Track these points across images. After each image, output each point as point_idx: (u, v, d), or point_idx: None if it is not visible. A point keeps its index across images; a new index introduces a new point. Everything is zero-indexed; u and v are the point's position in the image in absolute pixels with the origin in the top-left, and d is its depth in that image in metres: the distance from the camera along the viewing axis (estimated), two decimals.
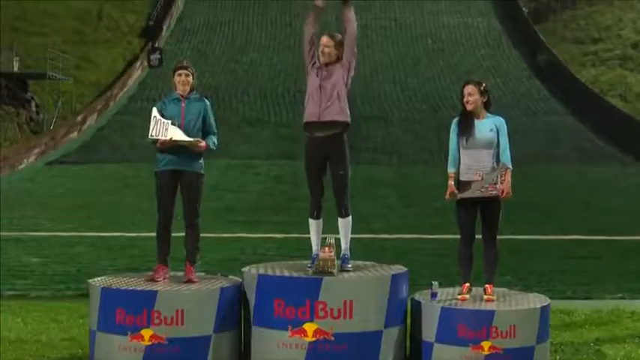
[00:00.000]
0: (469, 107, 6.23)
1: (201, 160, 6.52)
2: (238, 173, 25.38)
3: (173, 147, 6.36)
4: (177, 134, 6.33)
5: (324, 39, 6.48)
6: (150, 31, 43.30)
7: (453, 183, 6.23)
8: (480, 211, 6.26)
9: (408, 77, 40.18)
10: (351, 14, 6.56)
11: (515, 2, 47.73)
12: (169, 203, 6.44)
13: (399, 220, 17.75)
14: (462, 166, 6.26)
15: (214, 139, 6.52)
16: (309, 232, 6.54)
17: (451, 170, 6.25)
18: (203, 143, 6.39)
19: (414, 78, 40.03)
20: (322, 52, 6.44)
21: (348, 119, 6.44)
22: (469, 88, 6.26)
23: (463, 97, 6.27)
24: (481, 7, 48.64)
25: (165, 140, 6.27)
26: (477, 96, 6.23)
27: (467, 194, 6.16)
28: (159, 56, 40.30)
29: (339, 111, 6.37)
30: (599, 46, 42.34)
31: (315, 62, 6.47)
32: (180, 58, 40.53)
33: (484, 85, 6.34)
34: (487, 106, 6.32)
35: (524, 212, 16.68)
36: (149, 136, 6.34)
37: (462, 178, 6.24)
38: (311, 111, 6.35)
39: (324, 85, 6.36)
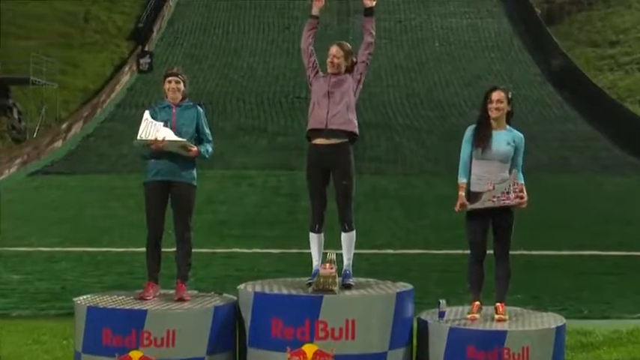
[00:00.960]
0: (495, 114, 6.20)
1: (194, 171, 6.51)
2: (233, 184, 25.38)
3: (164, 155, 6.35)
4: (169, 135, 6.32)
5: (334, 49, 6.48)
6: (139, 33, 43.43)
7: (463, 194, 6.22)
8: (492, 225, 6.24)
9: (414, 82, 40.26)
10: (372, 25, 6.61)
11: (528, 3, 47.89)
12: (159, 216, 6.42)
13: (404, 234, 17.73)
14: (472, 177, 6.24)
15: (209, 147, 6.51)
16: (308, 247, 6.52)
17: (462, 180, 6.23)
18: (195, 148, 6.38)
19: (420, 83, 40.11)
20: (331, 62, 6.45)
21: (356, 130, 6.44)
22: (499, 94, 6.23)
23: (488, 102, 6.25)
24: (491, 8, 48.81)
25: (157, 141, 6.25)
26: (504, 104, 6.23)
27: (477, 205, 6.14)
28: (149, 60, 40.40)
29: (348, 120, 6.36)
30: (616, 50, 42.42)
31: (317, 72, 6.48)
32: (171, 62, 40.73)
33: (510, 95, 6.34)
34: (509, 117, 6.31)
35: (537, 226, 16.66)
36: (137, 138, 6.33)
37: (473, 189, 6.23)
38: (317, 118, 6.35)
39: (333, 92, 6.37)
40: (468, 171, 6.26)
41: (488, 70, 41.48)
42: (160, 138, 6.27)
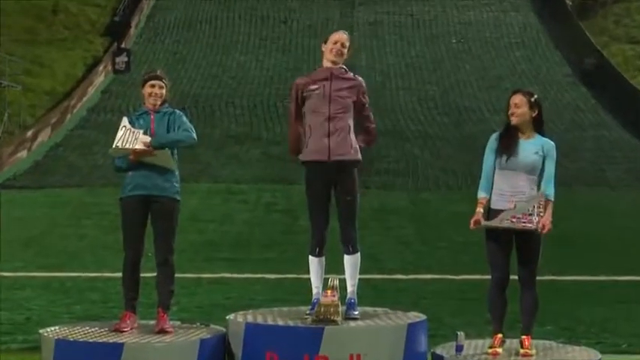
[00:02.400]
0: (514, 121, 6.24)
1: (177, 184, 6.53)
2: (222, 200, 25.37)
3: (143, 166, 6.37)
4: (148, 144, 6.35)
5: (341, 35, 6.54)
6: (115, 28, 43.51)
7: (481, 211, 6.23)
8: (516, 246, 6.26)
9: (427, 84, 40.32)
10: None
11: None
12: (138, 236, 6.44)
13: (416, 256, 17.72)
14: (494, 191, 6.26)
15: (179, 133, 6.45)
16: (308, 273, 6.53)
17: (482, 195, 6.25)
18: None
19: (434, 85, 40.18)
20: (338, 51, 6.50)
21: (360, 156, 6.54)
22: (516, 98, 6.29)
23: (508, 108, 6.30)
24: None
25: (137, 151, 6.28)
26: (524, 108, 6.24)
27: (494, 223, 6.15)
28: (126, 59, 40.48)
29: (353, 149, 6.46)
30: None
31: (308, 86, 6.52)
32: (151, 61, 40.85)
33: (535, 97, 6.35)
34: (537, 124, 6.32)
35: (569, 247, 16.64)
36: (113, 146, 6.36)
37: (494, 205, 6.25)
38: (316, 147, 6.42)
39: (335, 117, 6.41)
40: (489, 185, 6.27)
41: (512, 71, 41.54)
42: (137, 147, 6.31)
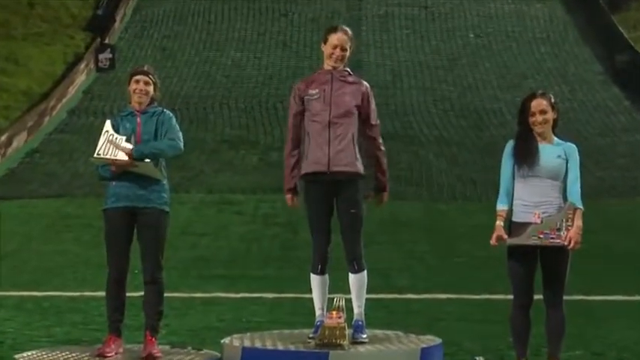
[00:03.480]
0: (541, 128, 6.24)
1: (166, 194, 6.54)
2: (215, 212, 25.38)
3: (128, 175, 6.38)
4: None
5: (339, 37, 6.54)
6: (98, 22, 43.60)
7: (501, 224, 6.23)
8: (541, 263, 6.26)
9: (443, 83, 40.34)
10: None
11: None
12: (123, 252, 6.45)
13: (430, 273, 17.70)
14: (516, 202, 6.26)
15: (161, 144, 6.45)
16: (310, 292, 6.53)
17: (501, 207, 6.26)
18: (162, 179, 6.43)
19: (451, 84, 40.19)
20: (338, 57, 6.52)
21: (362, 170, 6.52)
22: (541, 103, 6.26)
23: (528, 114, 6.28)
24: None
25: (117, 161, 6.30)
26: (550, 113, 6.26)
27: (519, 241, 6.15)
28: (110, 56, 40.56)
29: (354, 160, 6.45)
30: None
31: (306, 91, 6.56)
32: (138, 58, 40.87)
33: (553, 98, 6.37)
34: (555, 126, 6.35)
35: (600, 263, 16.61)
36: (95, 155, 6.37)
37: (516, 218, 6.25)
38: (315, 158, 6.42)
39: (336, 122, 6.41)
40: (509, 195, 6.27)
41: (537, 69, 41.57)
42: (120, 157, 6.31)
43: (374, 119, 6.57)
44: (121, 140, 6.37)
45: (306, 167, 6.44)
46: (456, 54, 43.16)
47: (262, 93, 38.80)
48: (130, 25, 45.36)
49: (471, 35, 44.99)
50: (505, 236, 6.19)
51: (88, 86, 39.23)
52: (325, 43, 6.57)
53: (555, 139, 6.34)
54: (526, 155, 6.22)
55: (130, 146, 6.37)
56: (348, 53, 6.55)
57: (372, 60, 41.38)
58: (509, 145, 6.34)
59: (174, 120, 6.60)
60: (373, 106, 6.57)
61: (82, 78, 39.53)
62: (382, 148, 6.69)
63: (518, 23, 46.20)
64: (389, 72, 40.12)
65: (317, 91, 6.47)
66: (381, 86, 37.78)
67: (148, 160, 6.35)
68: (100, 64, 40.43)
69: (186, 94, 38.00)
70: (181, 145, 6.51)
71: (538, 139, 6.28)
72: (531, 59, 42.63)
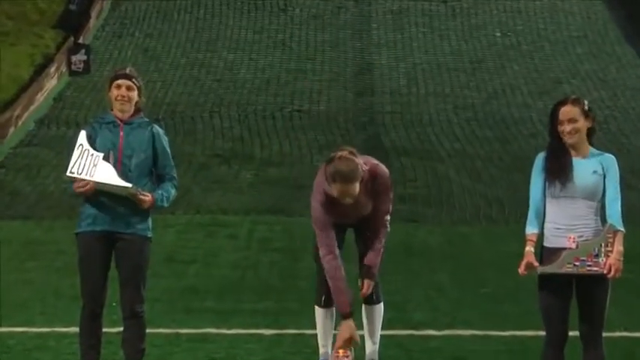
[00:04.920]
0: (571, 139, 6.24)
1: (149, 217, 6.56)
2: (205, 235, 25.36)
3: (104, 195, 6.39)
4: (108, 176, 6.35)
5: (343, 188, 6.67)
6: (71, 19, 43.68)
7: (532, 250, 6.24)
8: (576, 294, 6.26)
9: (465, 89, 40.36)
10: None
11: None
12: (99, 282, 6.47)
13: (451, 307, 17.68)
14: (548, 225, 6.27)
15: (170, 188, 6.55)
16: (313, 327, 6.54)
17: (531, 231, 6.27)
18: (148, 197, 6.42)
19: (474, 90, 40.22)
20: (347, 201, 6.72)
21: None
22: (570, 111, 6.28)
23: (557, 123, 6.29)
24: None
25: (85, 183, 6.30)
26: (581, 122, 6.26)
27: (551, 269, 6.15)
28: (84, 58, 40.62)
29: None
30: None
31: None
32: (117, 60, 40.94)
33: (587, 105, 6.36)
34: (591, 135, 6.34)
35: None
36: (67, 173, 6.38)
37: (548, 243, 6.26)
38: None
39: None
40: (540, 216, 6.28)
41: (573, 72, 41.58)
42: (96, 180, 6.32)
43: (386, 209, 7.09)
44: (98, 157, 6.36)
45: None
46: (479, 55, 43.20)
47: (259, 100, 38.82)
48: (107, 23, 45.47)
49: (497, 34, 45.04)
50: (536, 264, 6.19)
51: (59, 92, 39.27)
52: (326, 177, 6.75)
53: (591, 149, 6.33)
54: (557, 172, 6.22)
55: (128, 185, 6.35)
56: (357, 193, 6.69)
57: (384, 62, 41.43)
58: (540, 159, 6.34)
59: (167, 141, 6.61)
60: (388, 195, 7.07)
61: (52, 83, 39.58)
62: (382, 243, 6.99)
63: (552, 20, 46.24)
64: (403, 76, 40.16)
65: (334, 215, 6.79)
66: (393, 92, 37.85)
67: (122, 185, 6.34)
68: (72, 67, 40.48)
69: (171, 101, 38.03)
70: (177, 183, 6.59)
71: (572, 152, 6.28)
72: (566, 61, 42.65)
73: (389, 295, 6.74)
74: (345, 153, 6.57)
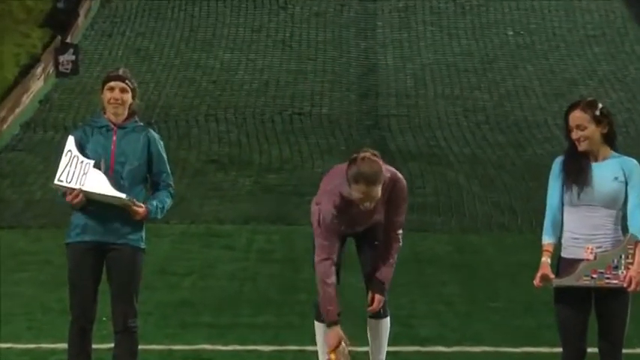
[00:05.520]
0: (583, 147, 6.24)
1: (142, 228, 6.56)
2: (201, 246, 25.37)
3: (95, 204, 6.39)
4: (99, 185, 6.34)
5: (364, 189, 6.66)
6: (59, 17, 43.70)
7: (548, 261, 6.23)
8: (595, 309, 6.25)
9: (475, 91, 40.38)
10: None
11: None
12: (89, 295, 6.47)
13: (460, 321, 17.67)
14: (565, 234, 6.27)
15: (166, 198, 6.54)
16: (314, 343, 6.54)
17: (547, 241, 6.26)
18: (142, 208, 6.42)
19: (485, 92, 40.24)
20: (366, 208, 6.72)
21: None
22: (576, 117, 6.28)
23: (569, 129, 6.30)
24: None
25: (77, 193, 6.30)
26: (591, 128, 6.25)
27: (568, 282, 6.14)
28: (73, 58, 40.63)
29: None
30: None
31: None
32: (107, 61, 40.94)
33: (601, 108, 6.34)
34: (610, 140, 6.32)
35: None
36: (55, 182, 6.38)
37: (565, 253, 6.26)
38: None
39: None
40: (556, 226, 6.28)
41: (590, 73, 41.59)
42: (86, 189, 6.31)
43: (400, 219, 7.12)
44: (89, 165, 6.35)
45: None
46: (491, 55, 43.22)
47: (257, 102, 38.84)
48: (96, 21, 45.49)
49: (510, 33, 45.05)
50: (552, 276, 6.19)
51: (45, 95, 39.30)
52: (348, 178, 6.80)
53: (611, 153, 6.30)
54: (575, 176, 6.21)
55: (121, 195, 6.33)
56: (378, 195, 6.70)
57: (390, 63, 41.45)
58: (557, 163, 6.34)
59: (162, 147, 6.60)
60: (404, 200, 7.11)
61: (38, 85, 39.61)
62: (394, 257, 7.02)
63: (567, 18, 46.25)
64: (410, 77, 40.17)
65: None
66: (400, 94, 37.86)
67: (114, 195, 6.33)
68: (60, 67, 40.50)
69: (165, 104, 38.05)
70: (170, 200, 6.59)
71: (589, 155, 6.27)
72: (583, 61, 42.65)
73: (394, 309, 6.74)
74: (368, 154, 6.59)
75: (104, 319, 6.51)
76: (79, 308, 6.50)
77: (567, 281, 6.14)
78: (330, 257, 6.50)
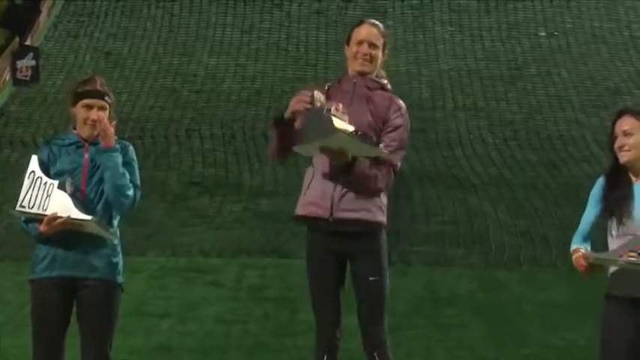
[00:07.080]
0: (625, 157, 6.32)
1: (117, 259, 6.61)
2: (182, 282, 25.42)
3: (64, 234, 6.44)
4: (63, 207, 6.38)
5: (367, 30, 6.69)
6: (17, 16, 43.78)
7: (580, 253, 6.23)
8: None
9: (501, 102, 40.44)
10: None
11: None
12: (56, 339, 6.52)
13: None
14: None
15: (130, 192, 6.53)
16: None
17: (576, 245, 6.32)
18: (112, 236, 6.48)
19: (514, 103, 40.29)
20: (365, 56, 6.66)
21: (383, 219, 6.60)
22: (625, 122, 6.35)
23: (614, 138, 6.38)
24: None
25: (51, 218, 6.37)
26: (639, 137, 6.32)
27: (608, 256, 6.12)
28: (33, 63, 40.67)
29: (366, 206, 6.55)
30: None
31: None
32: (73, 67, 41.00)
33: None
34: None
35: None
36: (17, 208, 6.43)
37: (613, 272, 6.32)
38: (314, 198, 6.54)
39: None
40: (586, 240, 6.32)
41: (635, 81, 41.62)
42: (52, 212, 6.34)
43: (400, 141, 6.72)
44: (52, 186, 6.39)
45: (302, 208, 6.55)
46: (520, 60, 43.30)
47: (247, 115, 38.89)
48: (60, 20, 45.57)
49: (542, 34, 45.15)
50: (587, 254, 6.20)
51: (1, 106, 39.36)
52: (349, 43, 6.69)
53: None
54: (612, 206, 6.27)
55: (85, 216, 6.38)
56: (380, 52, 6.67)
57: (403, 69, 41.52)
58: (598, 185, 6.40)
59: (135, 157, 6.64)
60: (406, 126, 6.69)
61: None
62: (396, 163, 6.81)
63: (609, 17, 46.34)
64: (426, 86, 40.27)
65: (333, 106, 6.50)
66: (415, 105, 37.90)
67: (89, 217, 6.37)
68: (18, 74, 40.56)
69: (139, 117, 38.10)
70: (137, 194, 6.60)
71: (632, 176, 6.33)
72: (626, 68, 42.73)
73: (406, 356, 6.81)
74: None
75: None
76: (44, 354, 6.54)
77: (607, 256, 6.14)
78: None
